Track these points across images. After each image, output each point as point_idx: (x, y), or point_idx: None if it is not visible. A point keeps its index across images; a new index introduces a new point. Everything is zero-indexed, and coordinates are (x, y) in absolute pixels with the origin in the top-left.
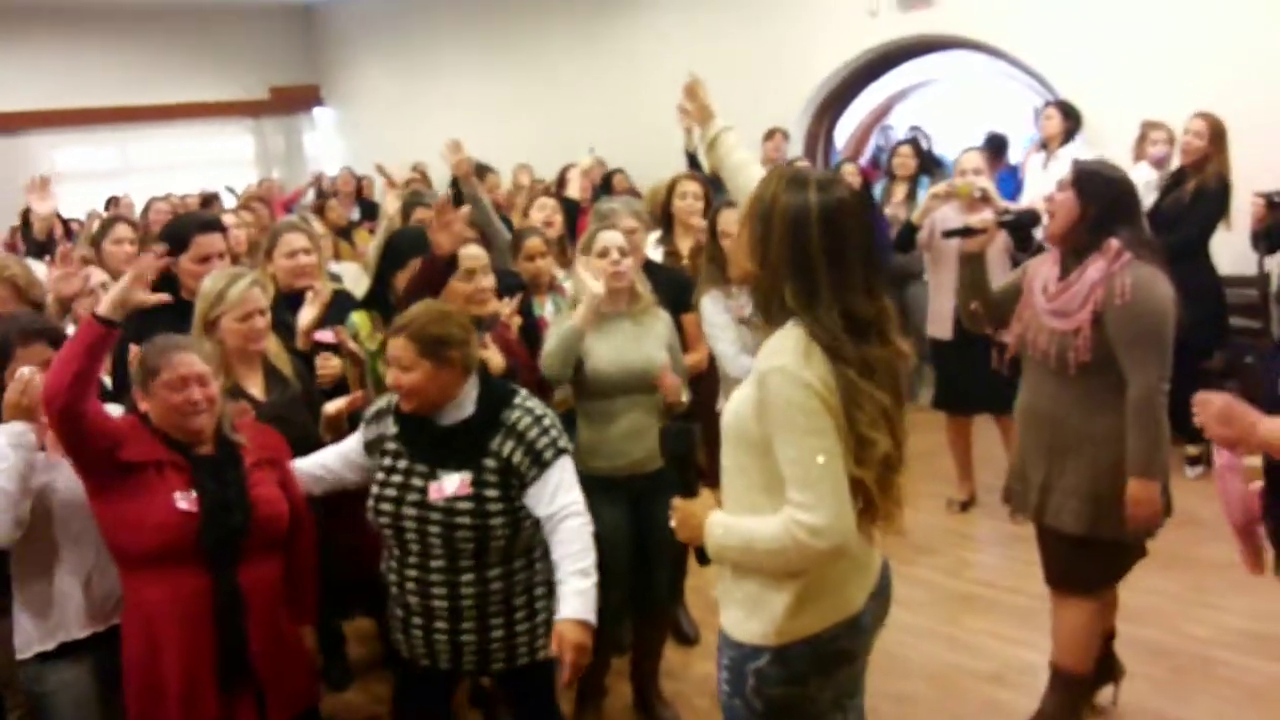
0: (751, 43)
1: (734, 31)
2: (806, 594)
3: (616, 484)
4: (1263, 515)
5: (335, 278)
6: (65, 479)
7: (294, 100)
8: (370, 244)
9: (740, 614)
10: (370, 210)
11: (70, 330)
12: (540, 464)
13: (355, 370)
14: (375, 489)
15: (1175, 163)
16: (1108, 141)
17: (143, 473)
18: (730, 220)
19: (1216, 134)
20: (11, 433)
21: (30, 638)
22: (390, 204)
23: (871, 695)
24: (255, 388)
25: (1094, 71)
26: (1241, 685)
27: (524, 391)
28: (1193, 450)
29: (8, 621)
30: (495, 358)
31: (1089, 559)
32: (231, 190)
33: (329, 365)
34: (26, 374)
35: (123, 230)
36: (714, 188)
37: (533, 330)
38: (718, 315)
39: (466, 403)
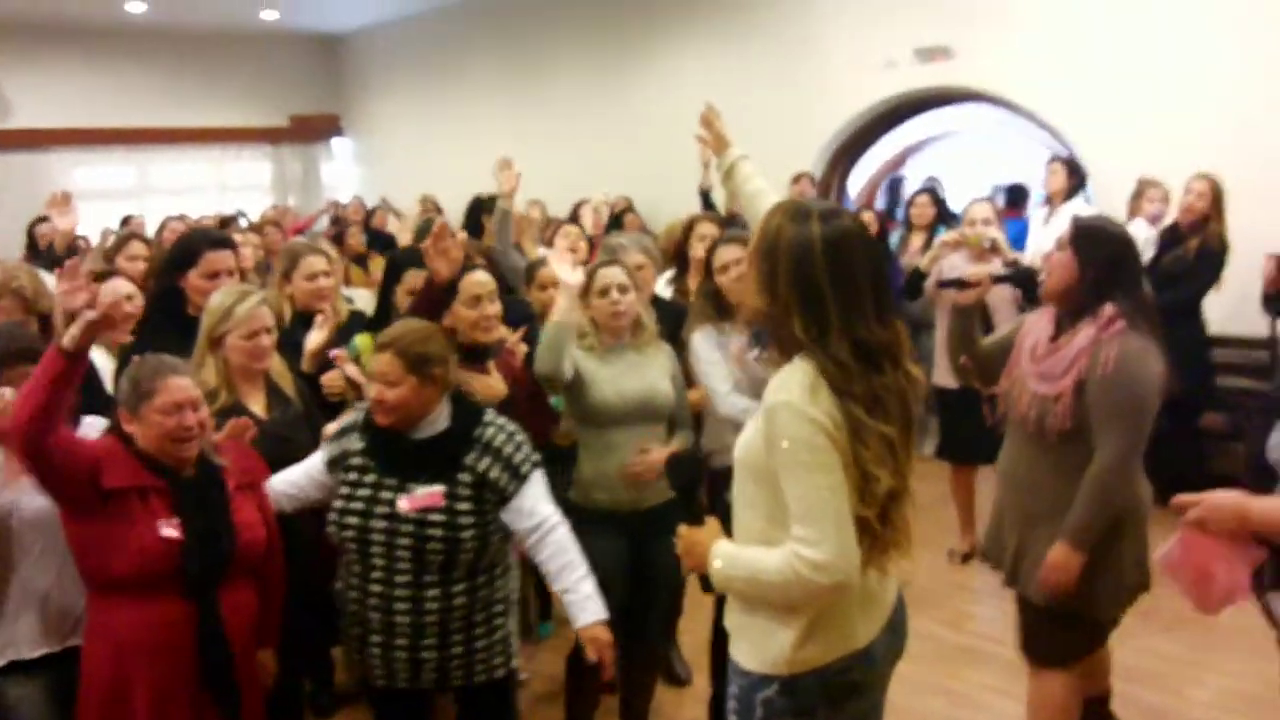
0: (769, 88)
1: (752, 76)
2: (816, 625)
3: (616, 519)
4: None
5: (349, 300)
6: (32, 497)
7: (314, 129)
8: None
9: (750, 644)
10: (378, 239)
11: None
12: (519, 478)
13: (354, 393)
14: (339, 503)
15: (1167, 220)
16: (1112, 197)
17: (124, 498)
18: (727, 255)
19: (1216, 195)
20: None
21: None
22: (403, 234)
23: None
24: (257, 406)
25: (1100, 127)
26: None
27: (492, 410)
28: None
29: None
30: (498, 384)
31: (1059, 631)
32: (244, 215)
33: (335, 379)
34: (8, 395)
35: (137, 247)
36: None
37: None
38: (709, 351)
39: (440, 418)
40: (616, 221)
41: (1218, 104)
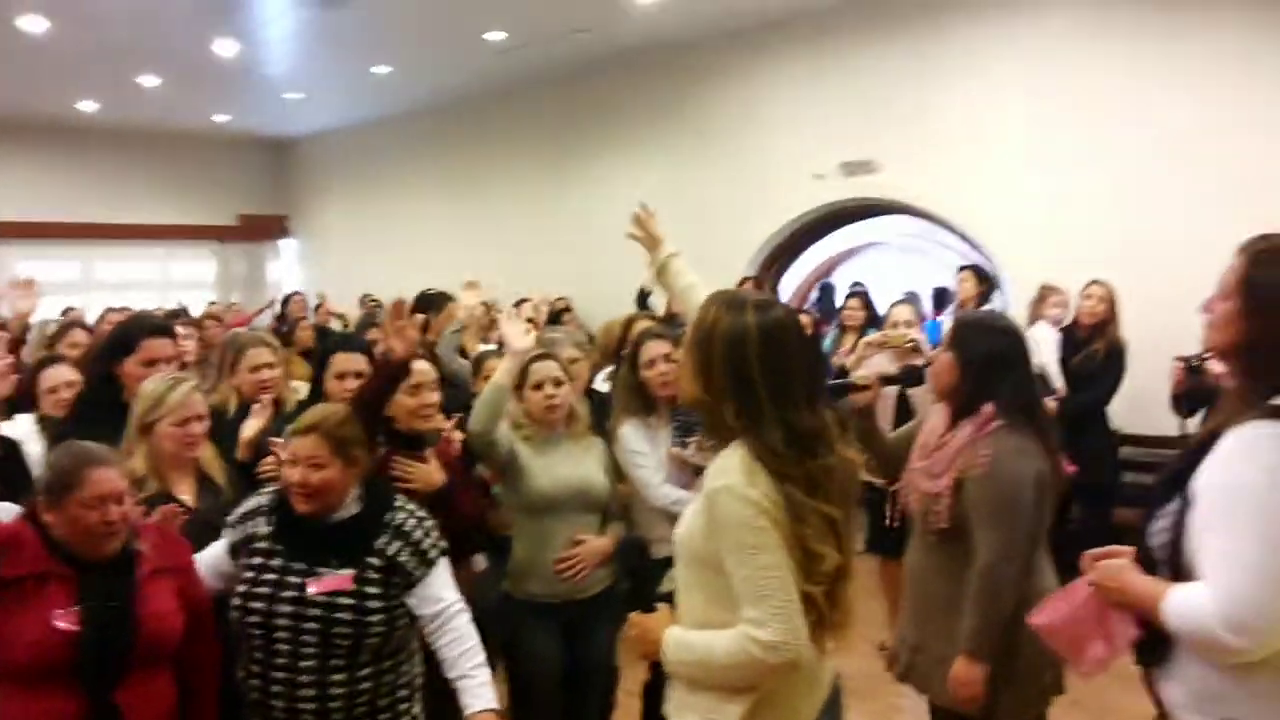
0: (704, 195)
1: (688, 183)
2: (759, 707)
3: (551, 610)
4: (1108, 653)
5: (296, 391)
6: None
7: (261, 229)
8: None
9: None
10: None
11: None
12: (426, 563)
13: None
14: (243, 588)
15: (1065, 320)
16: (1024, 303)
17: (20, 586)
18: (654, 350)
19: (1113, 300)
20: None
21: None
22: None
23: None
24: (187, 494)
25: (1012, 237)
26: None
27: (401, 496)
28: None
29: None
30: (436, 473)
31: None
32: (186, 310)
33: (272, 466)
34: None
35: (78, 335)
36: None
37: None
38: (638, 443)
39: (352, 502)
40: (555, 320)
41: (1114, 218)
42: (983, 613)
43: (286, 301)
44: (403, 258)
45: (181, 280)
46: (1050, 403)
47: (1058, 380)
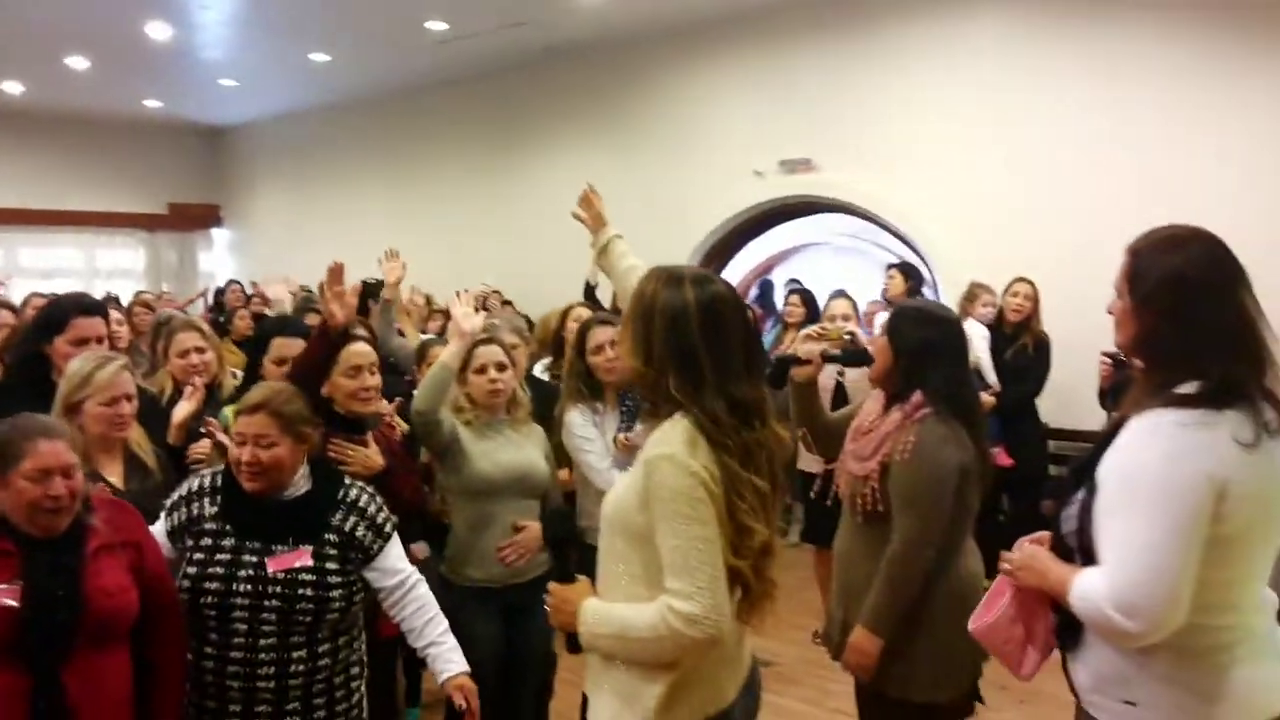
0: (646, 192)
1: (628, 176)
2: (679, 686)
3: (490, 595)
4: (1043, 653)
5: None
6: None
7: (192, 218)
8: None
9: (611, 710)
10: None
11: None
12: (383, 536)
13: (224, 461)
14: (193, 570)
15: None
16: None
17: None
18: (601, 336)
19: (1037, 297)
20: None
21: None
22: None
23: None
24: (115, 476)
25: (946, 235)
26: None
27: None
28: None
29: None
30: (375, 457)
31: (890, 711)
32: (116, 299)
33: (200, 448)
34: None
35: (4, 315)
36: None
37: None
38: (585, 428)
39: (302, 481)
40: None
41: (1038, 218)
42: (890, 591)
43: (222, 291)
44: (340, 249)
45: (109, 269)
46: (987, 397)
47: (991, 375)
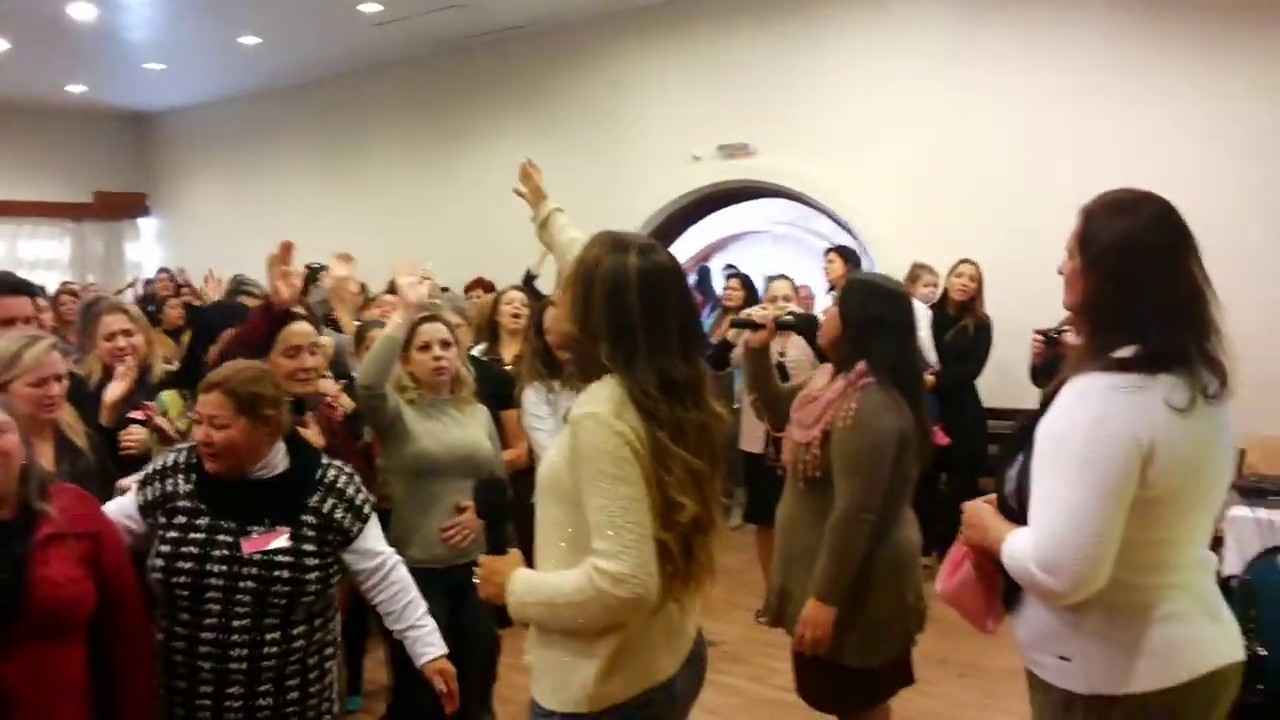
0: (584, 174)
1: (567, 161)
2: (618, 658)
3: (432, 576)
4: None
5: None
6: None
7: (118, 207)
8: None
9: (551, 681)
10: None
11: None
12: (361, 518)
13: (163, 447)
14: (166, 548)
15: (934, 299)
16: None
17: None
18: (553, 317)
19: (981, 278)
20: None
21: None
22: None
23: None
24: (44, 458)
25: (884, 218)
26: None
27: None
28: None
29: None
30: (315, 438)
31: (825, 677)
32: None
33: (134, 436)
34: None
35: None
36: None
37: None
38: (538, 407)
39: (278, 461)
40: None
41: (981, 199)
42: (836, 558)
43: (152, 281)
44: (274, 237)
45: (33, 260)
46: (928, 376)
47: (931, 354)
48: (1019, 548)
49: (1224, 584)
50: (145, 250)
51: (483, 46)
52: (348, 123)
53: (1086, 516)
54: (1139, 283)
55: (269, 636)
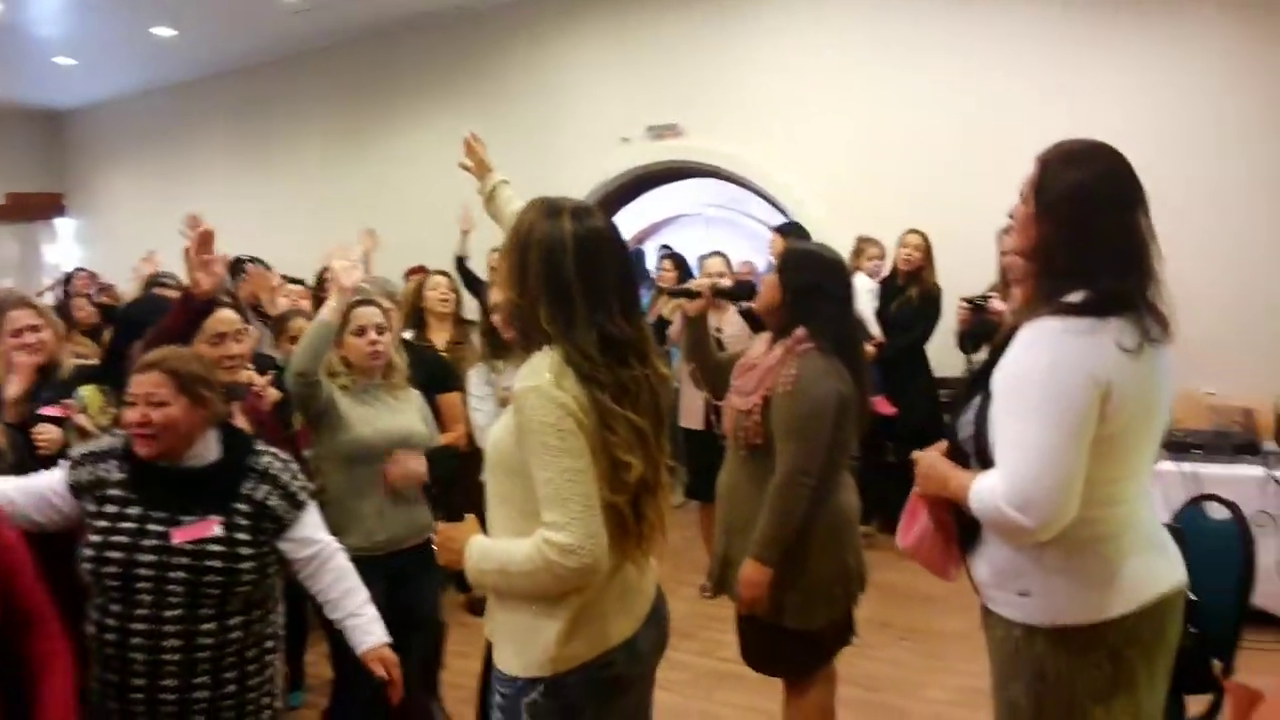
0: (512, 156)
1: (495, 147)
2: (579, 621)
3: (372, 563)
4: (960, 554)
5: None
6: None
7: (33, 207)
8: None
9: (513, 647)
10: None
11: None
12: (296, 505)
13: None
14: (97, 538)
15: (883, 272)
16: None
17: None
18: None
19: (928, 248)
20: None
21: None
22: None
23: None
24: None
25: (822, 194)
26: None
27: (259, 442)
28: None
29: None
30: (242, 428)
31: (766, 640)
32: None
33: (48, 435)
34: None
35: None
36: (471, 287)
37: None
38: (478, 387)
39: (210, 449)
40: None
41: (921, 169)
42: (775, 520)
43: (69, 279)
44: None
45: None
46: (868, 348)
47: (873, 327)
48: (987, 491)
49: None
50: (64, 252)
51: (406, 32)
52: (270, 113)
53: (1054, 454)
54: (1091, 230)
55: (204, 627)
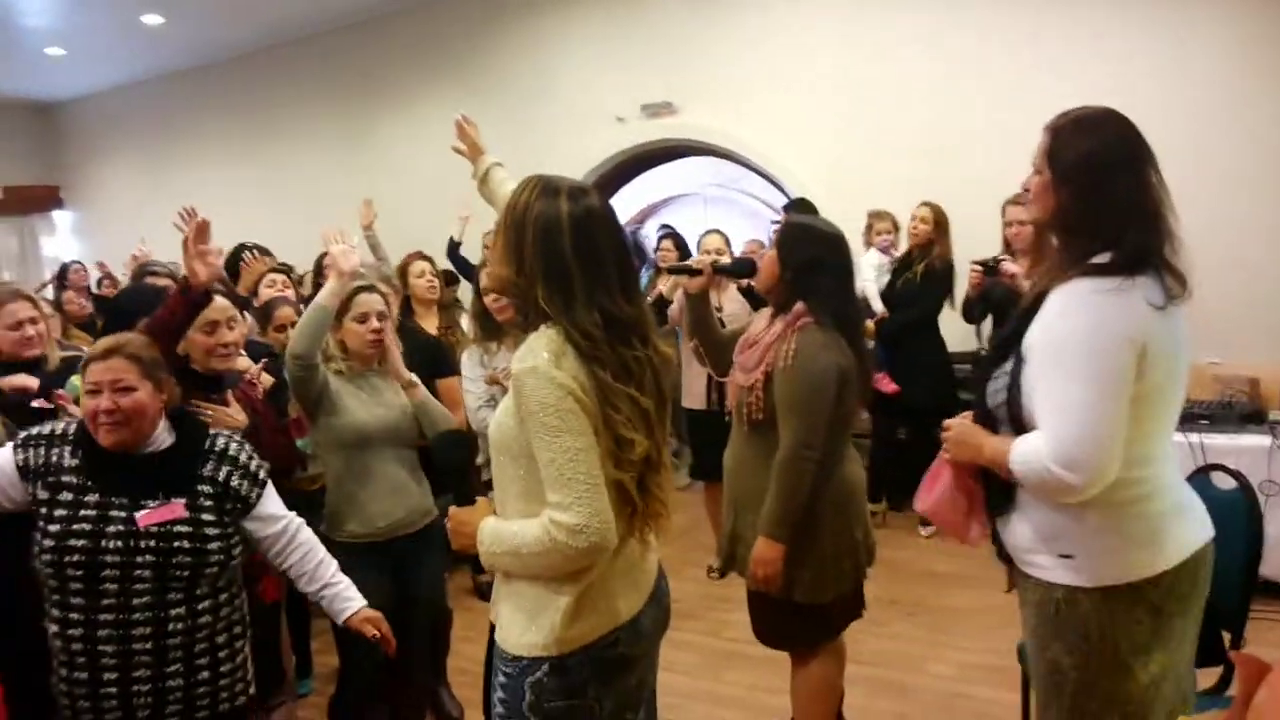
0: (508, 143)
1: (492, 128)
2: (583, 601)
3: (374, 549)
4: (986, 522)
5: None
6: None
7: (30, 201)
8: None
9: (518, 627)
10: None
11: None
12: (258, 484)
13: None
14: (54, 528)
15: (903, 247)
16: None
17: None
18: (490, 270)
19: (939, 221)
20: None
21: None
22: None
23: None
24: None
25: (815, 170)
26: (985, 715)
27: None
28: None
29: None
30: (237, 415)
31: (777, 615)
32: None
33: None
34: None
35: None
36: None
37: (281, 393)
38: (471, 369)
39: (163, 435)
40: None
41: (919, 142)
42: (783, 496)
43: (64, 273)
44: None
45: None
46: (868, 324)
47: (876, 303)
48: (1032, 451)
49: None
50: (62, 244)
51: (397, 15)
52: (264, 100)
53: (1098, 412)
54: (1109, 193)
55: (173, 612)
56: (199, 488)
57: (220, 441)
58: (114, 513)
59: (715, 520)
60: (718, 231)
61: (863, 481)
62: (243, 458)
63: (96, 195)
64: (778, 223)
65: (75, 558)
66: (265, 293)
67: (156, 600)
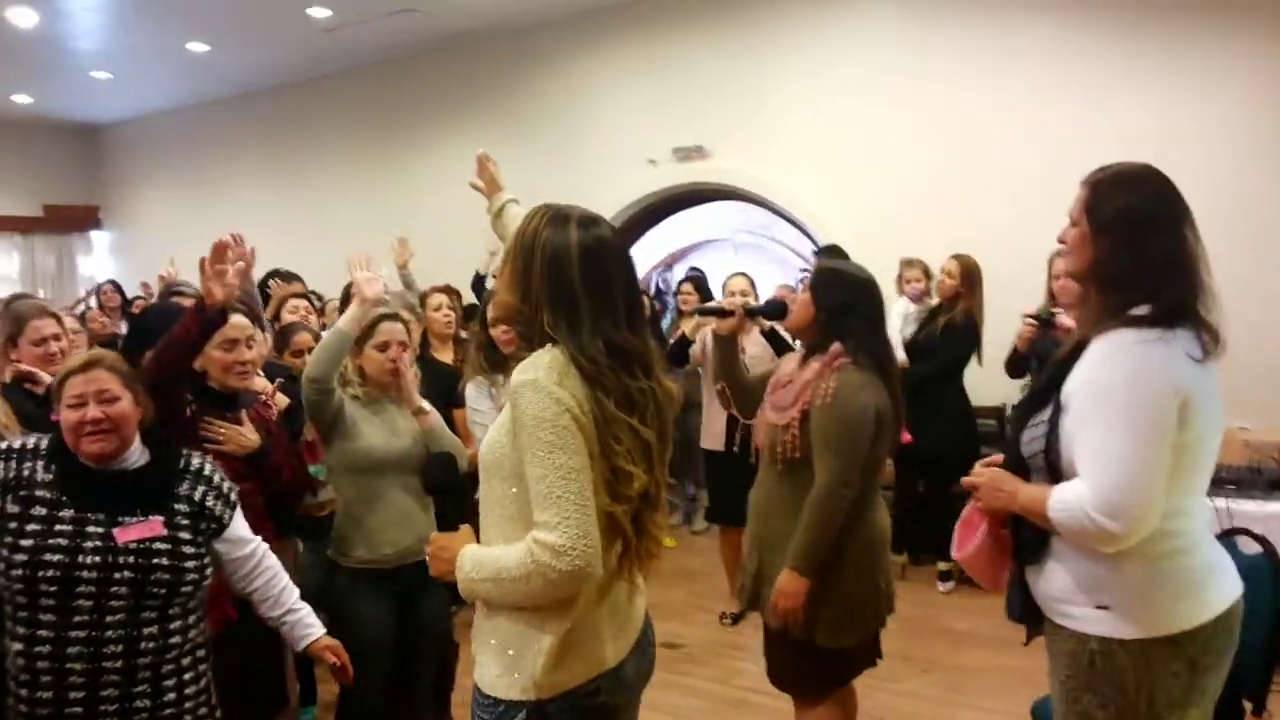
0: (538, 181)
1: (522, 168)
2: (567, 645)
3: (380, 577)
4: (1012, 567)
5: None
6: None
7: (70, 220)
8: None
9: (497, 668)
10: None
11: None
12: (230, 505)
13: None
14: (27, 543)
15: (931, 295)
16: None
17: None
18: (495, 296)
19: (968, 274)
20: None
21: None
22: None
23: None
24: None
25: (844, 217)
26: None
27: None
28: (944, 565)
29: None
30: (250, 435)
31: (795, 658)
32: None
33: None
34: None
35: None
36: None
37: (296, 416)
38: (479, 401)
39: (138, 452)
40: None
41: (953, 192)
42: (814, 530)
43: (97, 292)
44: None
45: None
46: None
47: (899, 352)
48: (1073, 499)
49: None
50: (99, 264)
51: (435, 52)
52: (300, 130)
53: (1140, 462)
54: (1146, 248)
55: (146, 631)
56: (176, 505)
57: (195, 461)
58: (90, 528)
59: (730, 566)
60: (743, 274)
61: (889, 529)
62: (216, 478)
63: (134, 216)
64: (807, 269)
65: (50, 573)
66: (287, 318)
67: (130, 619)
